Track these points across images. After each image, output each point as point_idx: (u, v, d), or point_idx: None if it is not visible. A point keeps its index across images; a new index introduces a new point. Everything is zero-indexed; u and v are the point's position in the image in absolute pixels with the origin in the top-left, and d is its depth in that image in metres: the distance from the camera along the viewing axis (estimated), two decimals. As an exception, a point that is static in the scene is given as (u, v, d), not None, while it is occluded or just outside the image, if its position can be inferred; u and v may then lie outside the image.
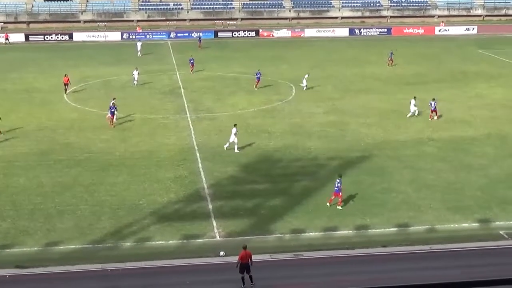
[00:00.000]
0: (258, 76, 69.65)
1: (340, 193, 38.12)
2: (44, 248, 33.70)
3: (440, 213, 37.80)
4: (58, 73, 74.66)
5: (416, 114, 57.63)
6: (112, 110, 54.90)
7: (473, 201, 39.51)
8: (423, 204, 38.94)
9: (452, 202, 39.33)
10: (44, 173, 43.99)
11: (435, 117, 56.68)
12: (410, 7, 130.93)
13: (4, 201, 39.39)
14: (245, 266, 29.71)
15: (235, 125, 49.18)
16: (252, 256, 29.83)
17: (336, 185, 38.07)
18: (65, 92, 66.80)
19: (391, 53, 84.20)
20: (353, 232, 35.76)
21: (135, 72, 71.37)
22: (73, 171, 44.36)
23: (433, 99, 57.28)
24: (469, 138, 52.06)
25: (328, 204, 38.35)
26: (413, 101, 57.98)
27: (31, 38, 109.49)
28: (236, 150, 48.01)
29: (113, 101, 56.00)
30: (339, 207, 38.22)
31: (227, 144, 48.34)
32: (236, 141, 48.08)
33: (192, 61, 79.52)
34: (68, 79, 67.37)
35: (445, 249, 33.80)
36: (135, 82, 71.25)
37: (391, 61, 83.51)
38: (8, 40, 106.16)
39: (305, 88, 68.27)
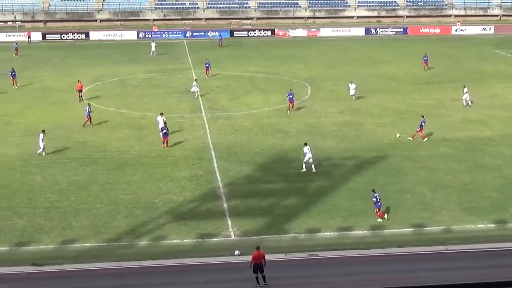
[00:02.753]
0: (291, 97, 60.01)
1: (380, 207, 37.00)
2: (60, 246, 33.86)
3: (456, 214, 37.62)
4: (74, 72, 75.31)
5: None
6: (165, 131, 49.81)
7: (489, 202, 39.26)
8: (439, 205, 38.76)
9: (468, 202, 39.12)
10: (60, 171, 44.17)
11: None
12: (427, 7, 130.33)
13: (20, 199, 39.61)
14: (258, 266, 29.75)
15: (305, 144, 45.31)
16: (266, 256, 29.85)
17: (377, 200, 36.85)
18: (79, 100, 63.50)
19: (426, 57, 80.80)
20: (368, 232, 35.65)
21: (194, 83, 65.63)
22: (89, 169, 44.52)
23: (422, 116, 52.26)
24: (485, 138, 51.74)
25: (380, 219, 36.80)
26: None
27: (48, 37, 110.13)
28: (313, 170, 44.36)
29: (162, 118, 51.85)
30: (380, 219, 36.95)
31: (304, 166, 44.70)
32: (311, 160, 44.41)
33: (207, 64, 77.02)
34: (82, 86, 64.82)
35: (461, 250, 33.68)
36: (196, 93, 65.13)
37: (426, 65, 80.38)
38: (30, 38, 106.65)
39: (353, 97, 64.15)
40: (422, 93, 66.16)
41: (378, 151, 48.51)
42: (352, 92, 63.73)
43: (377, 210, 36.93)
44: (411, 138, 51.12)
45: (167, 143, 49.41)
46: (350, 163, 45.92)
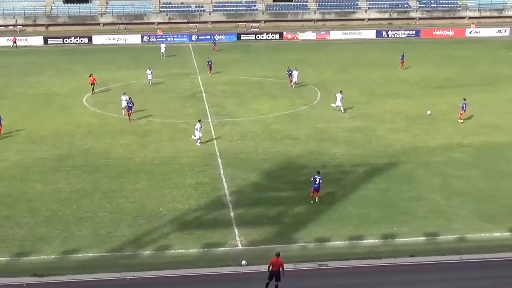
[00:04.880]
0: (290, 72, 72.30)
1: (319, 190, 39.45)
2: (62, 256, 33.42)
3: (471, 222, 37.05)
4: (77, 77, 75.44)
5: (342, 110, 59.13)
6: (130, 105, 57.21)
7: (506, 210, 38.64)
8: (453, 213, 38.20)
9: (484, 210, 38.56)
10: (62, 179, 43.74)
11: (459, 120, 56.46)
12: (440, 8, 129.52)
13: (21, 207, 39.12)
14: (274, 273, 29.39)
15: (199, 120, 51.58)
16: (284, 265, 29.46)
17: (317, 182, 39.02)
18: (92, 92, 68.52)
19: (402, 56, 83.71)
20: (380, 241, 35.11)
21: (148, 72, 73.28)
22: (92, 177, 44.09)
23: (464, 99, 56.84)
24: (501, 143, 51.13)
25: (312, 201, 39.31)
26: (339, 96, 59.96)
27: (50, 41, 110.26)
28: (198, 144, 50.08)
29: (126, 97, 58.85)
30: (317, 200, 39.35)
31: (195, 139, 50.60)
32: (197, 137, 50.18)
33: (209, 63, 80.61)
34: (94, 79, 68.90)
35: (476, 259, 33.12)
36: (150, 82, 73.20)
37: (402, 63, 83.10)
38: (16, 43, 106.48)
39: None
40: (436, 97, 65.50)
41: (390, 157, 47.89)
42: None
43: (313, 190, 39.39)
44: (460, 120, 56.28)
45: (130, 116, 57.04)
46: (361, 170, 45.35)
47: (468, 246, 34.43)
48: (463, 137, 52.66)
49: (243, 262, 32.16)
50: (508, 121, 57.60)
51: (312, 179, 39.52)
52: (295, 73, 71.21)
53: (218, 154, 48.78)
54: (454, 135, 53.06)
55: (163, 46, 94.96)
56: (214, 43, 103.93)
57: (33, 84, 75.39)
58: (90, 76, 68.94)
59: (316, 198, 39.38)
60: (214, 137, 52.99)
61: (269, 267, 29.45)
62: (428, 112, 55.86)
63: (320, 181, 39.06)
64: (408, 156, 48.17)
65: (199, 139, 49.98)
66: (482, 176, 44.04)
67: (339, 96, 60.02)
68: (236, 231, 35.92)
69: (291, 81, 71.82)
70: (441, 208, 38.83)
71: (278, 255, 29.60)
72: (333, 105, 60.22)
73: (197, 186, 42.33)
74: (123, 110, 58.52)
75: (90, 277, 31.26)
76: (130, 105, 57.07)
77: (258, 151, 49.31)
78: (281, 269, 29.33)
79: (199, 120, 51.53)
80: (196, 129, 50.11)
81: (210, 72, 79.94)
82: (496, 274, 31.72)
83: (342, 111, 59.81)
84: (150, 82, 73.17)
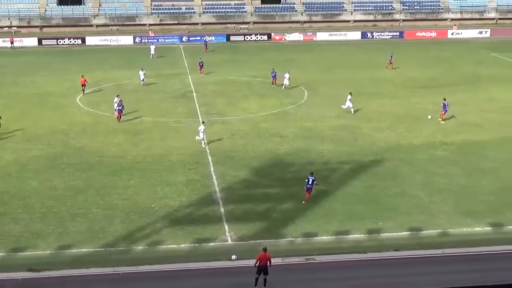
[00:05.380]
0: (274, 74, 72.28)
1: (311, 190, 39.46)
2: (57, 251, 33.80)
3: (453, 217, 37.66)
4: (71, 77, 75.24)
5: (351, 111, 59.61)
6: (120, 108, 57.44)
7: (486, 205, 39.30)
8: (436, 208, 38.80)
9: (465, 206, 39.18)
10: (56, 176, 44.09)
11: (440, 119, 56.87)
12: (423, 11, 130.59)
13: (17, 204, 39.49)
14: (262, 268, 29.78)
15: (203, 122, 51.90)
16: (272, 259, 29.94)
17: (310, 182, 39.07)
18: (83, 93, 68.39)
19: (391, 56, 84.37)
20: (365, 236, 35.64)
21: (141, 73, 73.45)
22: (86, 174, 44.46)
23: (444, 99, 57.49)
24: (482, 142, 51.80)
25: (304, 202, 39.28)
26: (349, 97, 60.04)
27: (44, 42, 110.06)
28: (203, 145, 50.08)
29: (118, 99, 58.59)
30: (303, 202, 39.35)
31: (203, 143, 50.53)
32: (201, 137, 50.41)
33: (201, 63, 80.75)
34: (85, 80, 68.70)
35: (458, 253, 33.70)
36: (142, 82, 73.28)
37: (391, 64, 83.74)
38: (13, 44, 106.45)
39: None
40: (420, 97, 66.20)
41: (376, 155, 48.50)
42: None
43: (308, 193, 39.33)
44: (441, 120, 56.88)
45: (119, 118, 57.25)
46: (347, 167, 45.88)
47: (450, 240, 35.01)
48: (445, 135, 53.23)
49: (233, 257, 32.54)
50: (488, 120, 58.22)
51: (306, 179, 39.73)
52: (286, 76, 70.98)
53: (208, 152, 49.14)
54: (436, 134, 53.64)
55: (152, 47, 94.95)
56: (206, 44, 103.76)
57: (28, 84, 75.48)
58: (81, 77, 68.93)
59: (305, 201, 39.39)
60: (204, 135, 53.55)
61: (256, 262, 29.82)
62: (429, 117, 56.41)
63: (314, 182, 39.19)
64: (393, 153, 48.68)
65: (203, 139, 50.09)
66: (464, 173, 44.61)
67: (348, 97, 60.16)
68: (226, 227, 36.34)
69: (274, 82, 72.33)
70: (424, 204, 39.38)
71: (265, 250, 29.98)
72: (344, 106, 60.25)
73: (188, 183, 42.72)
74: (115, 111, 58.87)
75: (84, 272, 31.55)
76: (120, 107, 57.49)
77: (247, 149, 49.77)
78: (268, 263, 29.73)
79: (203, 122, 51.80)
80: (200, 130, 50.18)
81: (201, 73, 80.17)
82: (477, 267, 32.20)
83: (352, 112, 59.96)
84: (142, 83, 73.37)
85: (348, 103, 59.92)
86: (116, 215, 37.97)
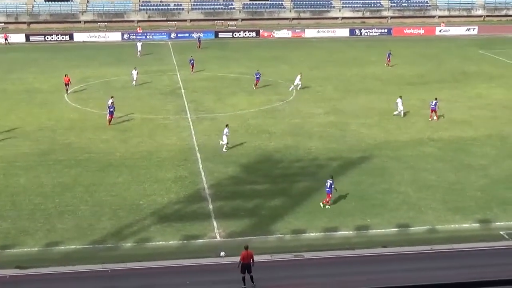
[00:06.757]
0: (258, 76, 70.23)
1: (331, 194, 38.47)
2: (45, 248, 33.71)
3: (441, 214, 37.83)
4: (59, 74, 74.66)
5: (402, 114, 57.82)
6: (111, 110, 55.66)
7: (474, 202, 39.53)
8: (424, 205, 38.96)
9: (453, 202, 39.36)
10: (44, 173, 43.98)
11: (435, 118, 56.70)
12: (411, 8, 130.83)
13: (4, 201, 39.37)
14: (246, 266, 29.74)
15: (227, 125, 49.97)
16: (254, 256, 29.88)
17: (328, 186, 38.20)
18: (66, 92, 67.20)
19: (389, 54, 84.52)
20: (354, 232, 35.75)
21: (134, 72, 72.09)
22: (74, 171, 44.35)
23: (435, 99, 57.55)
24: (469, 138, 52.09)
25: (321, 204, 38.50)
26: (399, 101, 58.22)
27: (31, 38, 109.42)
28: (224, 150, 48.46)
29: (111, 100, 56.76)
30: (328, 206, 38.44)
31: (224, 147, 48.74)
32: (225, 142, 48.66)
33: (192, 61, 79.87)
34: (69, 79, 67.80)
35: (446, 249, 33.80)
36: (134, 82, 71.76)
37: (389, 61, 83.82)
38: (7, 40, 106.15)
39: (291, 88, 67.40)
40: (408, 94, 66.29)
41: (364, 151, 48.65)
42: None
43: (328, 196, 38.35)
44: (435, 119, 56.74)
45: (110, 120, 55.35)
46: (335, 163, 45.99)
47: (438, 237, 35.18)
48: (433, 132, 53.49)
49: (222, 254, 32.59)
50: (476, 116, 58.53)
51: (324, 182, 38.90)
52: (298, 77, 68.36)
53: (197, 148, 49.17)
54: (424, 130, 53.90)
55: (139, 44, 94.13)
56: (199, 41, 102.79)
57: (15, 80, 75.04)
58: (65, 76, 67.87)
59: (326, 203, 38.43)
60: (192, 132, 53.45)
61: (239, 262, 29.75)
62: (430, 119, 56.49)
63: (332, 185, 38.23)
64: (381, 150, 48.84)
65: (226, 144, 48.62)
66: (451, 169, 44.82)
67: (399, 101, 58.14)
68: (215, 223, 36.36)
69: (257, 83, 70.10)
70: (412, 200, 39.52)
71: (246, 248, 29.97)
72: (396, 112, 58.19)
73: (176, 180, 42.72)
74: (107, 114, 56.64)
75: (72, 269, 31.44)
76: (112, 109, 55.83)
77: (236, 146, 49.75)
78: (251, 261, 29.70)
79: (227, 125, 50.00)
80: (224, 134, 48.71)
81: (192, 71, 79.07)
82: (464, 264, 32.36)
83: (402, 115, 57.97)
84: (135, 82, 71.55)
85: (400, 107, 58.01)
86: (104, 212, 37.91)
